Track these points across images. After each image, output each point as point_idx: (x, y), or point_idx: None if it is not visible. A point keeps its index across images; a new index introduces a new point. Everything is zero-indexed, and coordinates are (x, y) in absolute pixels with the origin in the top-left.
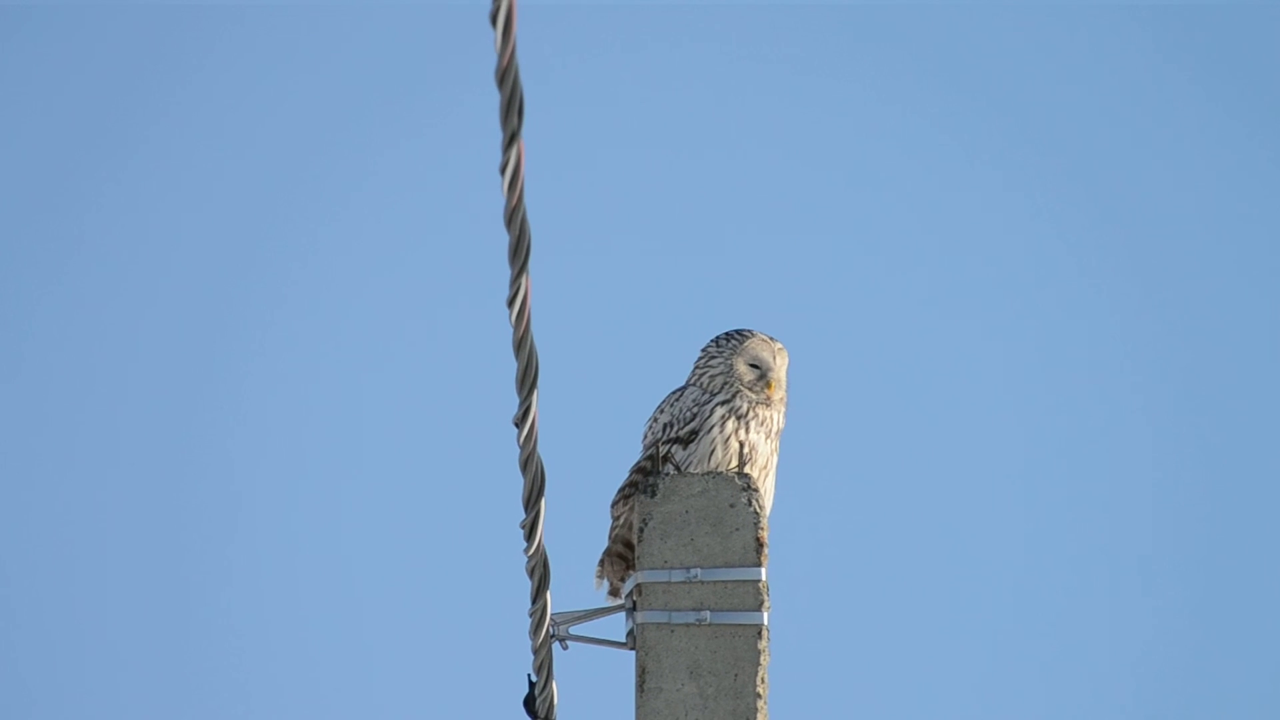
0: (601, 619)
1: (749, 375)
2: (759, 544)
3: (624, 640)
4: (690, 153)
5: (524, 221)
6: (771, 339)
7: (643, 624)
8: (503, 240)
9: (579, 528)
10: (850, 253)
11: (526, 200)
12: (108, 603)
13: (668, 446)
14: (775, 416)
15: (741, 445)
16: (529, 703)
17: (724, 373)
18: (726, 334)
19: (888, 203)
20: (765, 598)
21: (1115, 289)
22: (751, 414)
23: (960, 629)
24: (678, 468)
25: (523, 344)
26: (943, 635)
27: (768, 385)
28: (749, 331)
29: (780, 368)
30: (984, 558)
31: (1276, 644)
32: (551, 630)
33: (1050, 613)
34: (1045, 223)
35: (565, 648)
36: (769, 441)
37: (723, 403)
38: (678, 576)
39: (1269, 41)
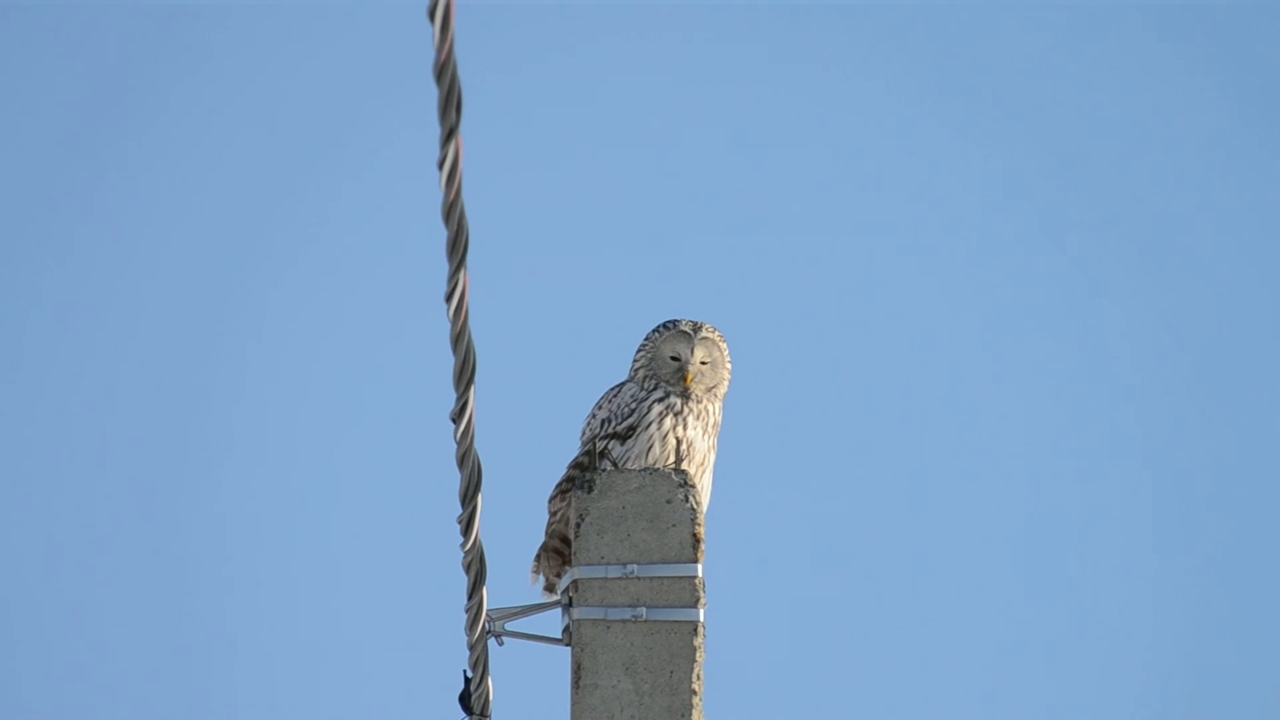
0: (537, 615)
1: (669, 367)
2: (696, 540)
3: (560, 636)
4: (634, 150)
5: (462, 216)
6: (699, 327)
7: (579, 620)
8: (442, 235)
9: (516, 523)
10: (794, 249)
11: (465, 196)
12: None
13: (605, 442)
14: (712, 409)
15: (679, 442)
16: (464, 698)
17: (645, 365)
18: (657, 326)
19: (880, 201)
20: (701, 594)
21: (1115, 288)
22: (688, 410)
23: (897, 628)
24: (615, 464)
25: (460, 339)
26: (879, 632)
27: (684, 377)
28: (674, 322)
29: (702, 357)
30: (919, 558)
31: (1277, 644)
32: (487, 626)
33: (993, 616)
34: (1044, 222)
35: (501, 643)
36: (707, 438)
37: (660, 399)
38: (614, 572)
39: (1272, 41)
